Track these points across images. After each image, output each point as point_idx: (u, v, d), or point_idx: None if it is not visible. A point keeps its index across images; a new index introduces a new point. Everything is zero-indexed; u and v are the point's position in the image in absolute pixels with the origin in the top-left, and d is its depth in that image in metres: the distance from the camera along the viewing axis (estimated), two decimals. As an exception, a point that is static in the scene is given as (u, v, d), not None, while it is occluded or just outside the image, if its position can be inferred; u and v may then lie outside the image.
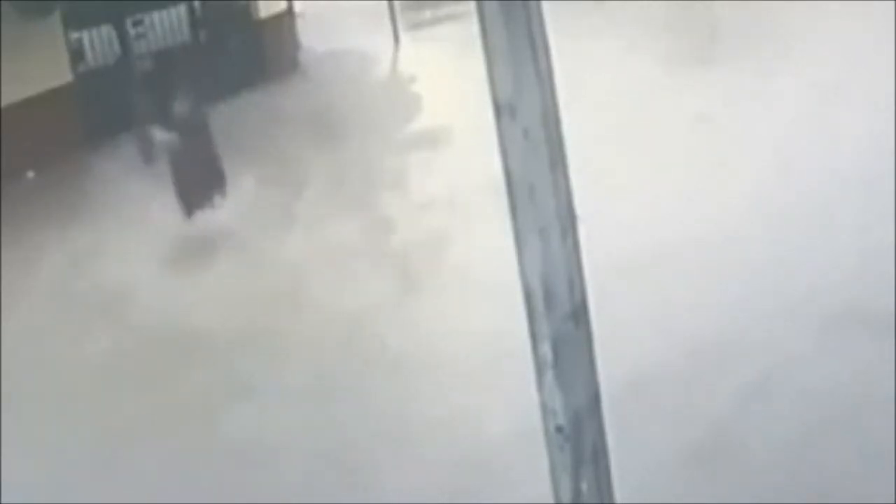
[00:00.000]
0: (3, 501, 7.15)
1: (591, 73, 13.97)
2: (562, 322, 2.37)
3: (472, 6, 2.30)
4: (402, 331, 9.11)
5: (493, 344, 8.13)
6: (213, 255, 11.15)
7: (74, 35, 17.09)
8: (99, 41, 17.38)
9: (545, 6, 2.32)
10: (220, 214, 12.22)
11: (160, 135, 12.28)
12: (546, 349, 2.36)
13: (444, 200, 11.90)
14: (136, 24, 17.80)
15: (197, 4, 18.89)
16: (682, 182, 11.05)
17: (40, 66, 15.97)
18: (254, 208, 12.18)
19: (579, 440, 2.40)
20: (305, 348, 9.08)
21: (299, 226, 11.66)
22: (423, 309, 9.54)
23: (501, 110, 2.30)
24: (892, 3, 13.96)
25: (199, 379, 8.86)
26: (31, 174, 15.30)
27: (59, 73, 16.60)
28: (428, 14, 22.27)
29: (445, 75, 17.32)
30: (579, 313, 2.40)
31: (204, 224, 12.07)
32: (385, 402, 8.07)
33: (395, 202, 12.29)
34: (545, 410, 2.40)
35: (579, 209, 2.34)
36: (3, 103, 15.13)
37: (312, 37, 21.02)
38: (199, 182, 12.14)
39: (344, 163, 13.77)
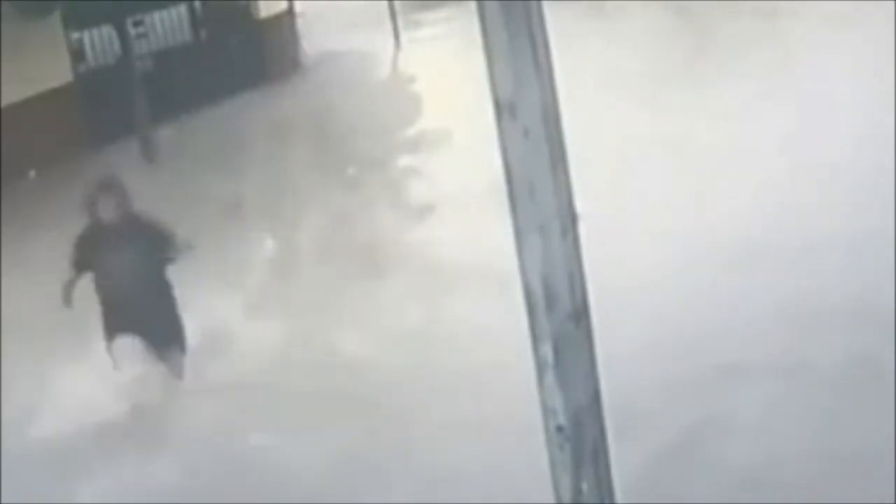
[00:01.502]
0: (3, 501, 7.16)
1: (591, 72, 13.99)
2: (562, 322, 2.36)
3: (473, 6, 2.30)
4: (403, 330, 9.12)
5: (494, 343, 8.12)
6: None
7: (75, 35, 17.10)
8: (99, 41, 17.38)
9: (545, 6, 2.32)
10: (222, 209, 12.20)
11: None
12: (546, 349, 2.36)
13: (444, 198, 11.90)
14: (136, 24, 17.81)
15: (197, 4, 18.91)
16: (681, 182, 11.05)
17: (40, 66, 15.97)
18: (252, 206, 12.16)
19: (579, 440, 2.40)
20: (302, 346, 9.09)
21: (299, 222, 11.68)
22: (423, 308, 9.53)
23: (502, 109, 2.30)
24: (892, 10, 13.97)
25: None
26: (32, 174, 15.30)
27: (59, 73, 16.61)
28: (428, 14, 22.27)
29: (445, 75, 17.32)
30: (579, 313, 2.40)
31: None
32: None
33: (396, 200, 12.29)
34: (545, 410, 2.40)
35: (579, 207, 2.34)
36: (3, 103, 15.13)
37: (312, 37, 21.02)
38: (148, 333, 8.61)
39: (344, 162, 13.78)
